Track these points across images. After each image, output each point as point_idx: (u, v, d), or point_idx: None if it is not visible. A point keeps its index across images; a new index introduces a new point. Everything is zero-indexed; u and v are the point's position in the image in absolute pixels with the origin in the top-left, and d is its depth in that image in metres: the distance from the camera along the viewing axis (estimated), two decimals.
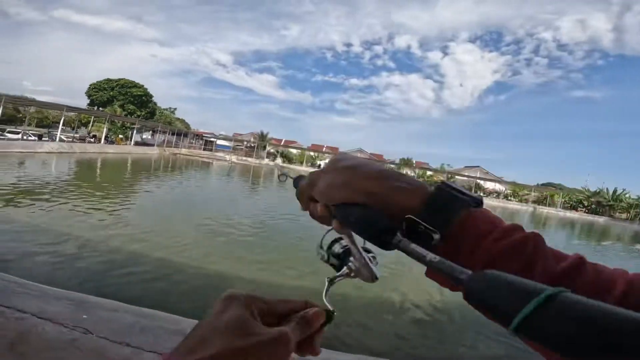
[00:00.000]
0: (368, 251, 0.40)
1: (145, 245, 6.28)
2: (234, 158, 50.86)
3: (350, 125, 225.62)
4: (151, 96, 59.16)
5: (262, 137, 65.74)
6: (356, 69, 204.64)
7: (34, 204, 8.36)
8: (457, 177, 59.40)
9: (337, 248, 0.41)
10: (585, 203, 55.01)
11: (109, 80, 56.00)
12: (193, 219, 9.24)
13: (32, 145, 24.36)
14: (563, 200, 55.70)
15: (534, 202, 55.87)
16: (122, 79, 56.29)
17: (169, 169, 27.29)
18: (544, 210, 50.66)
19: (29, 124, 57.34)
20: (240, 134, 74.36)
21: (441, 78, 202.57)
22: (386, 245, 0.32)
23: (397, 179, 0.36)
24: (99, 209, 8.79)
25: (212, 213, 10.30)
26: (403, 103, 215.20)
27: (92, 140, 38.42)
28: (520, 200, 56.34)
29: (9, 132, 29.99)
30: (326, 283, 0.41)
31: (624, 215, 51.68)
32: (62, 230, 6.44)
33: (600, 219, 46.61)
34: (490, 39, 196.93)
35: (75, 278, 4.55)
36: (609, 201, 51.65)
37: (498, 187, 59.82)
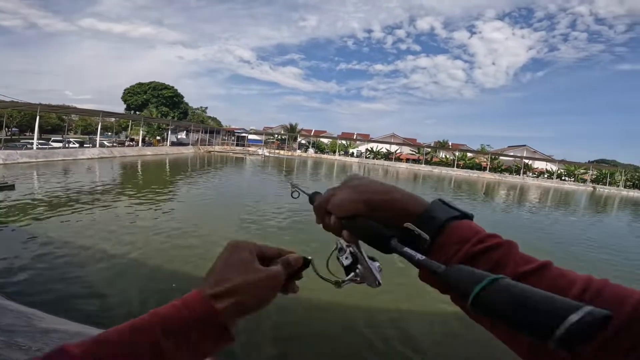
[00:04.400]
0: (374, 260, 0.45)
1: None
2: (266, 152, 50.52)
3: (379, 111, 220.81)
4: (182, 97, 60.08)
5: (292, 128, 65.04)
6: (380, 55, 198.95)
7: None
8: (501, 157, 55.13)
9: (346, 257, 0.46)
10: None
11: (140, 84, 57.33)
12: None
13: (74, 152, 24.94)
14: (624, 178, 50.13)
15: (592, 181, 50.78)
16: (153, 81, 57.42)
17: (204, 166, 27.07)
18: (604, 190, 45.79)
19: (75, 132, 60.63)
20: (271, 127, 74.20)
21: (471, 58, 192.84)
22: (384, 249, 0.39)
23: (399, 193, 0.43)
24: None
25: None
26: (432, 85, 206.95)
27: (130, 143, 39.48)
28: (577, 180, 51.42)
29: (53, 140, 31.35)
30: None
31: None
32: None
33: None
34: (519, 15, 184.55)
35: None
36: None
37: (549, 166, 54.88)
